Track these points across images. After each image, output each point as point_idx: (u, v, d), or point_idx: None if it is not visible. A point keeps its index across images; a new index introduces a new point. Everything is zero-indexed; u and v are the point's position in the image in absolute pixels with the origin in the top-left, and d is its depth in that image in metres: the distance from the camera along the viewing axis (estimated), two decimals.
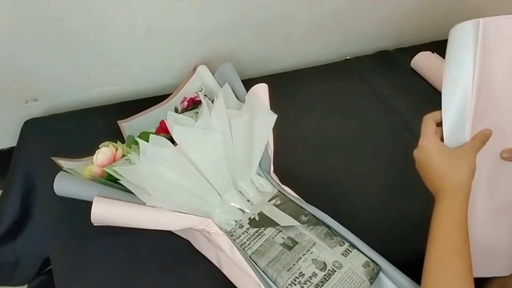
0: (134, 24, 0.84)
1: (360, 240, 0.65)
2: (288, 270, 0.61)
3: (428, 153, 0.59)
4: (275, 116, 0.74)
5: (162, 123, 0.78)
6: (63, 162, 0.73)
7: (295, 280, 0.60)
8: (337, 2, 0.98)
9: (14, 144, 0.88)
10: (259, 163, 0.74)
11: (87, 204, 0.74)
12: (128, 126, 0.84)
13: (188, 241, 0.70)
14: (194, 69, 0.90)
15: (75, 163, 0.74)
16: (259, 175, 0.74)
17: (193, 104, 0.83)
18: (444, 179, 0.56)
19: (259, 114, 0.73)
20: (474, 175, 0.56)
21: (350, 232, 0.66)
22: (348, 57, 1.10)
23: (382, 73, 1.05)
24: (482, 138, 0.59)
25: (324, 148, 0.88)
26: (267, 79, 0.84)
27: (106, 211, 0.64)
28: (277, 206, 0.70)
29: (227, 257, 0.64)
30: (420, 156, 0.60)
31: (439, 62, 1.02)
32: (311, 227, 0.66)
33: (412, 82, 1.04)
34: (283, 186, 0.73)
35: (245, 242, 0.65)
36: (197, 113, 0.80)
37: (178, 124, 0.66)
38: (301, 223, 0.67)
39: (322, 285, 0.60)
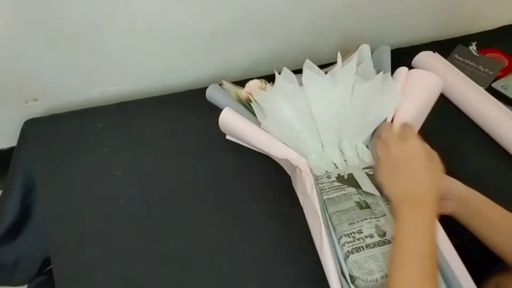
0: (134, 24, 0.84)
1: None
2: (349, 224, 0.65)
3: (413, 154, 0.64)
4: (399, 101, 0.75)
5: None
6: (224, 82, 0.86)
7: (351, 234, 0.64)
8: (336, 2, 0.98)
9: (14, 144, 0.88)
10: (370, 136, 0.77)
11: (87, 204, 0.75)
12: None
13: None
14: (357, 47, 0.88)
15: (231, 86, 0.86)
16: (365, 145, 0.77)
17: None
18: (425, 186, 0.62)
19: (388, 94, 0.76)
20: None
21: None
22: None
23: None
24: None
25: None
26: (267, 79, 0.84)
27: (230, 119, 0.75)
28: (368, 175, 0.73)
29: (307, 196, 0.69)
30: (401, 155, 0.65)
31: (441, 62, 1.02)
32: (388, 202, 0.69)
33: None
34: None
35: (325, 188, 0.71)
36: None
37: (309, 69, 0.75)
38: (381, 196, 0.69)
39: (373, 247, 0.63)
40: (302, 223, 0.73)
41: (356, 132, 0.76)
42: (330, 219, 0.67)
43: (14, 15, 0.75)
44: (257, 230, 0.73)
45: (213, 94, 0.82)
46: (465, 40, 1.12)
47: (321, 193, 0.70)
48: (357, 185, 0.71)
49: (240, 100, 0.81)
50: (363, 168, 0.73)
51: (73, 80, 0.89)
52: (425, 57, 1.05)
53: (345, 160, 0.75)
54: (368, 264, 0.61)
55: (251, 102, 0.78)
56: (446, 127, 0.92)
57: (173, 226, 0.72)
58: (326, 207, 0.69)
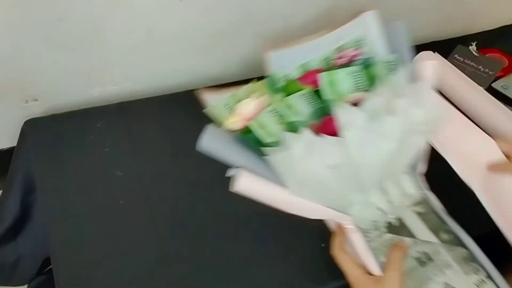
0: (134, 24, 0.84)
1: (498, 272, 0.59)
2: None
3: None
4: (443, 111, 0.64)
5: (309, 75, 0.68)
6: (207, 96, 0.68)
7: None
8: (336, 2, 0.98)
9: (14, 144, 0.88)
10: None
11: (87, 204, 0.74)
12: (275, 57, 0.73)
13: None
14: (359, 13, 0.74)
15: (218, 96, 0.68)
16: (406, 173, 0.66)
17: (349, 62, 0.70)
18: None
19: (424, 105, 0.60)
20: None
21: (489, 261, 0.60)
22: None
23: None
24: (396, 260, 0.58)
25: None
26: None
27: (250, 187, 0.59)
28: (419, 214, 0.64)
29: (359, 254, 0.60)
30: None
31: (440, 61, 1.02)
32: (451, 247, 0.61)
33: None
34: (428, 192, 0.66)
35: (380, 249, 0.61)
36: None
37: (347, 118, 0.57)
38: (441, 242, 0.61)
39: None
40: None
41: (400, 170, 0.65)
42: None
43: (14, 15, 0.75)
44: (258, 229, 0.73)
45: (209, 144, 0.62)
46: (465, 40, 1.12)
47: (376, 255, 0.61)
48: (410, 234, 0.62)
49: (239, 135, 0.63)
50: (411, 206, 0.65)
51: (73, 80, 0.89)
52: (425, 57, 1.05)
53: (390, 202, 0.64)
54: None
55: (249, 132, 0.62)
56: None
57: (173, 226, 0.72)
58: None
